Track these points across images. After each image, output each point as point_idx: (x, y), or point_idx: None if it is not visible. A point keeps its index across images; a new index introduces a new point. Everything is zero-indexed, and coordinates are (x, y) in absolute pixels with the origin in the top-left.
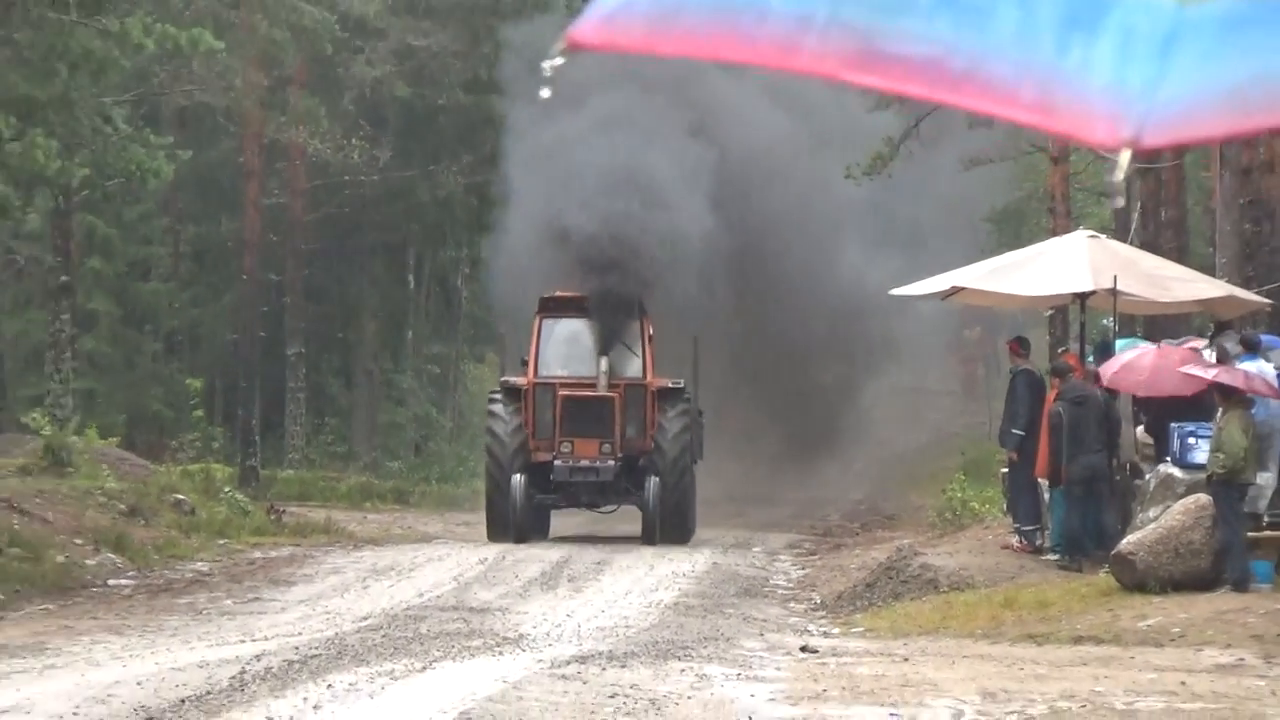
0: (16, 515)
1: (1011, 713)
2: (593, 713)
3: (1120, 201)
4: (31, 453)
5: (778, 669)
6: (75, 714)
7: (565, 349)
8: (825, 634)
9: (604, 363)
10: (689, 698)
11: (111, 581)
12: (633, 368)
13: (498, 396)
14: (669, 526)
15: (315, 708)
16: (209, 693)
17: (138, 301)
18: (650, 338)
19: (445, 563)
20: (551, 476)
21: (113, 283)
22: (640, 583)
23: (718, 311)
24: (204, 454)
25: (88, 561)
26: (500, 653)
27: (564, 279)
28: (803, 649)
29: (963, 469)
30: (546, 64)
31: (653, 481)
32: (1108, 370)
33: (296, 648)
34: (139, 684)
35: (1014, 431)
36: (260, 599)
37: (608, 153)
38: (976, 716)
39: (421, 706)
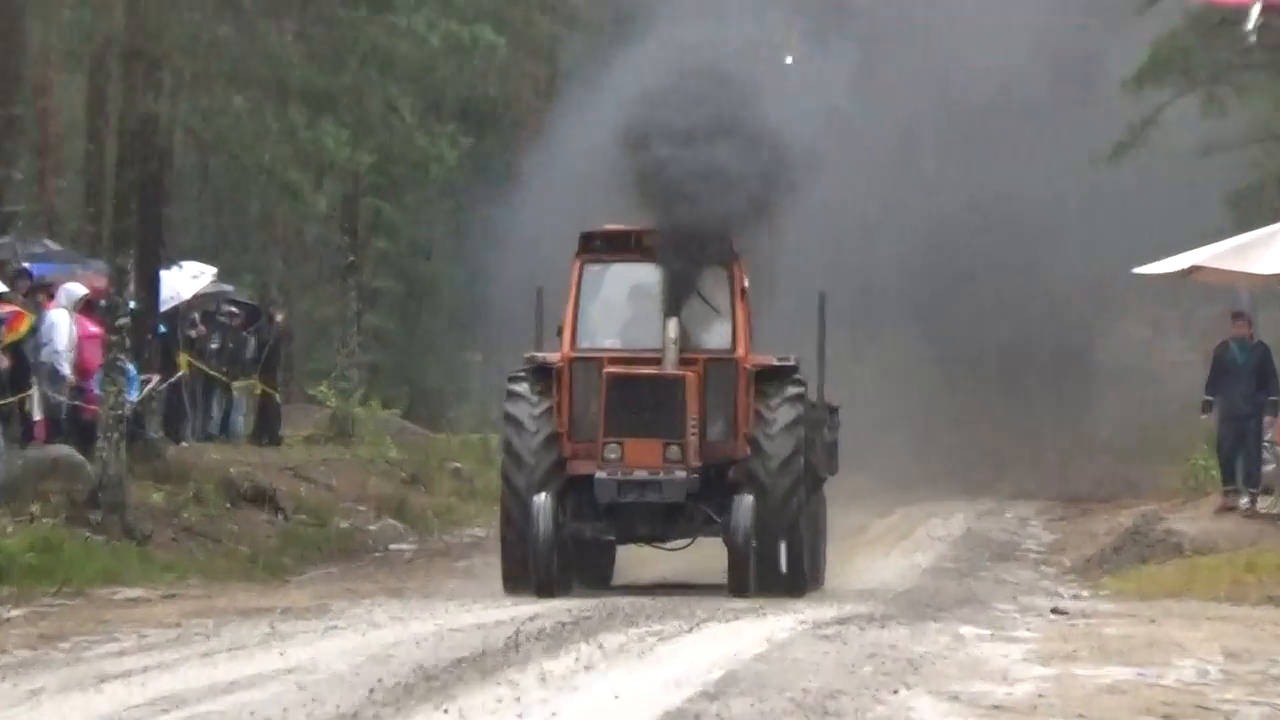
0: (303, 483)
1: (1255, 671)
2: (853, 671)
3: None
4: (318, 423)
5: (1029, 630)
6: (356, 673)
7: (617, 308)
8: (1075, 596)
9: (673, 327)
10: (945, 657)
11: (392, 546)
12: (717, 335)
13: (520, 381)
14: (773, 568)
15: (587, 667)
16: (484, 652)
17: (419, 280)
18: (744, 292)
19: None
20: (595, 496)
21: (397, 262)
22: (898, 546)
23: (889, 258)
24: (482, 425)
25: (370, 527)
26: (764, 613)
27: (619, 209)
28: (1053, 611)
29: (1205, 439)
30: (1249, 26)
31: (745, 503)
32: None
33: (569, 609)
34: (417, 644)
35: (1272, 399)
36: None
37: (699, 48)
38: (1221, 675)
39: (689, 665)
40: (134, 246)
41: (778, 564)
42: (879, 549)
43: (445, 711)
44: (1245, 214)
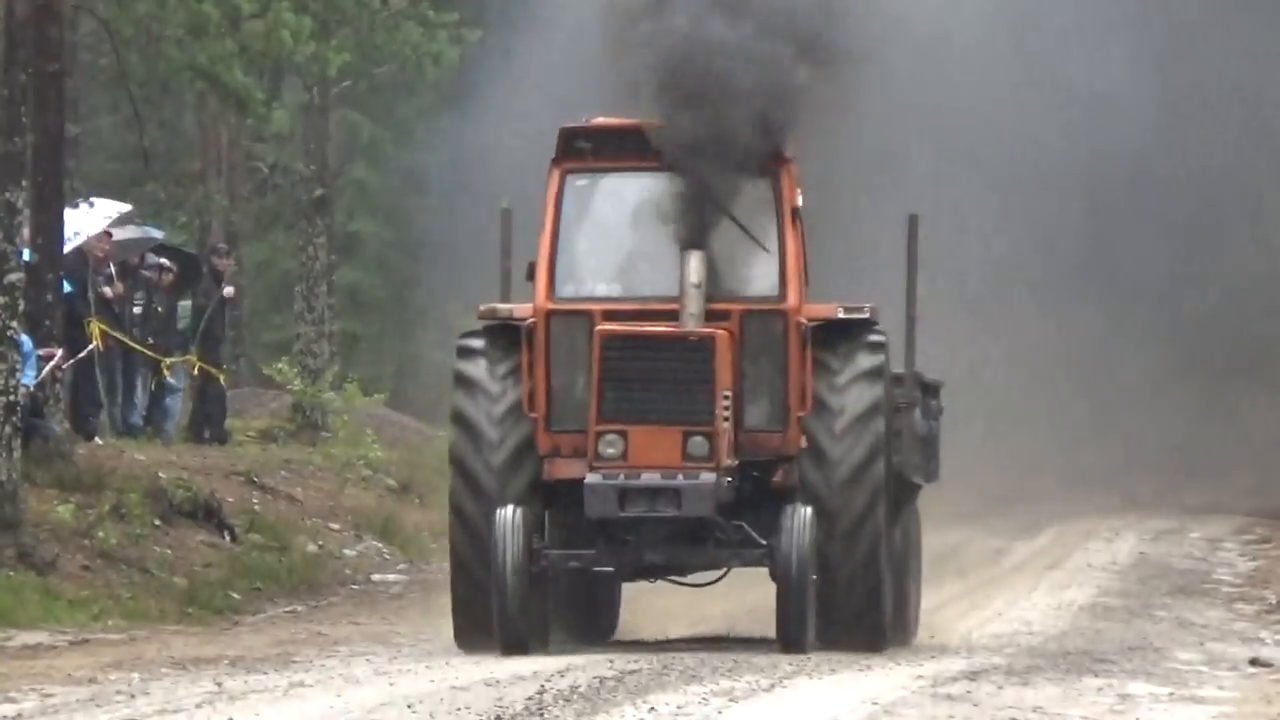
0: (257, 492)
1: None
2: None
3: None
4: (276, 413)
5: (1221, 688)
6: None
7: (614, 238)
8: None
9: (695, 265)
10: None
11: (376, 577)
12: (759, 276)
13: (475, 344)
14: (843, 613)
15: None
16: (498, 718)
17: (410, 222)
18: (796, 213)
19: None
20: (583, 510)
21: (380, 198)
22: (1047, 577)
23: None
24: None
25: (346, 551)
26: (868, 666)
27: (617, 100)
28: (1252, 662)
29: None
30: None
31: (800, 517)
32: None
33: (610, 661)
34: (410, 707)
35: None
36: None
37: None
38: None
39: None
40: (27, 176)
41: (848, 604)
42: (1021, 581)
43: None
44: None
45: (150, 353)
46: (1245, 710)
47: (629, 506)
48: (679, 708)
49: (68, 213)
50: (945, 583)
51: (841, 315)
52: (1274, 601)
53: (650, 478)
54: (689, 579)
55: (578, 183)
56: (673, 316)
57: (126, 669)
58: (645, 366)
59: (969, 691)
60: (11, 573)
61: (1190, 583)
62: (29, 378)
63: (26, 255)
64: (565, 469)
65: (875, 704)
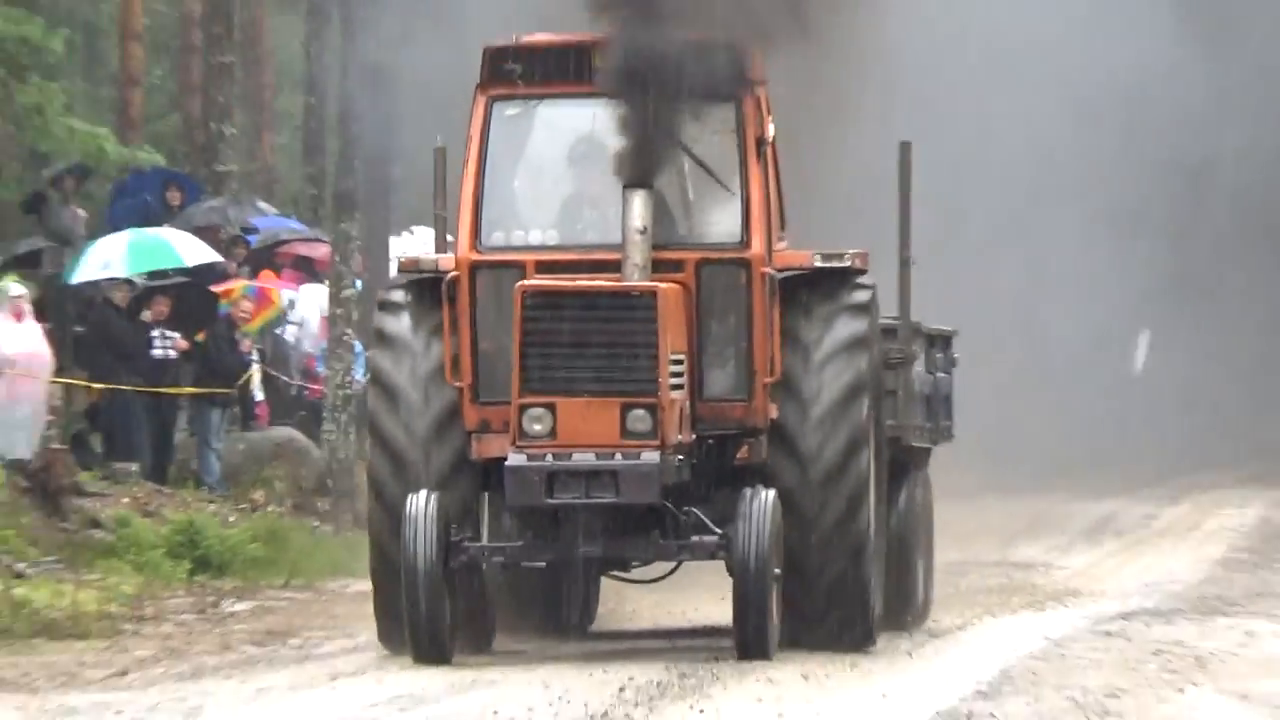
0: None
1: None
2: (1135, 669)
3: None
4: None
5: None
6: (605, 672)
7: (549, 177)
8: None
9: (639, 208)
10: (1235, 655)
11: None
12: (719, 222)
13: (396, 311)
14: (821, 619)
15: (852, 665)
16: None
17: None
18: (761, 144)
19: (988, 514)
20: (507, 497)
21: None
22: (1188, 537)
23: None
24: None
25: None
26: (1043, 609)
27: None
28: None
29: None
30: None
31: (760, 503)
32: None
33: None
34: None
35: None
36: None
37: None
38: None
39: (962, 663)
40: (359, 209)
41: (827, 613)
42: (1166, 540)
43: (701, 712)
44: None
45: None
46: None
47: (558, 492)
48: (879, 651)
49: (392, 239)
50: (1105, 541)
51: (818, 264)
52: None
53: (583, 458)
54: (627, 576)
55: (507, 112)
56: (618, 268)
57: None
58: (576, 328)
59: (1123, 629)
60: (349, 533)
61: None
62: (358, 374)
63: (359, 285)
64: (495, 447)
65: (1048, 639)
